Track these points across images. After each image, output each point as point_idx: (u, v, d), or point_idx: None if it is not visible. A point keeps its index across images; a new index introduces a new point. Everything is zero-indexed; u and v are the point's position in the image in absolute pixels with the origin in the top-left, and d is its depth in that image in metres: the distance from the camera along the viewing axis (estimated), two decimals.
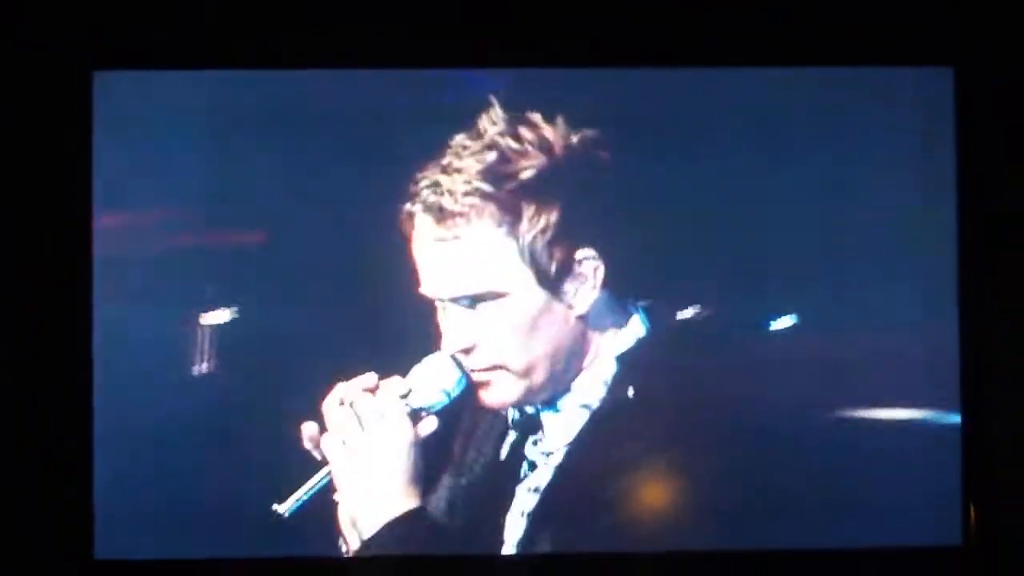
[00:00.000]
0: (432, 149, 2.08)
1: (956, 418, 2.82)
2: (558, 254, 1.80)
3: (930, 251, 2.82)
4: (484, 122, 1.84)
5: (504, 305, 1.77)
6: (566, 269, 1.80)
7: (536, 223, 1.75)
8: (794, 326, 2.68)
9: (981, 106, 2.83)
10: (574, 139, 1.84)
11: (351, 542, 1.80)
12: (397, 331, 1.92)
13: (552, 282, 1.78)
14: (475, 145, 1.81)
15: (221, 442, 2.74)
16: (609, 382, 1.81)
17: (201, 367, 2.75)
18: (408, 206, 1.81)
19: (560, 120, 1.87)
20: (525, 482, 1.83)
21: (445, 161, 1.81)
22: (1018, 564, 2.83)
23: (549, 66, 2.58)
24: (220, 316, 2.74)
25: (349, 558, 2.24)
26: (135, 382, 2.75)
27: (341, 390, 1.78)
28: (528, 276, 1.78)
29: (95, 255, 2.77)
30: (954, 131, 2.83)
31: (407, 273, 1.88)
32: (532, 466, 1.82)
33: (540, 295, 1.78)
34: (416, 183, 1.81)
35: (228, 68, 2.80)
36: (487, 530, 1.85)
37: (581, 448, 1.83)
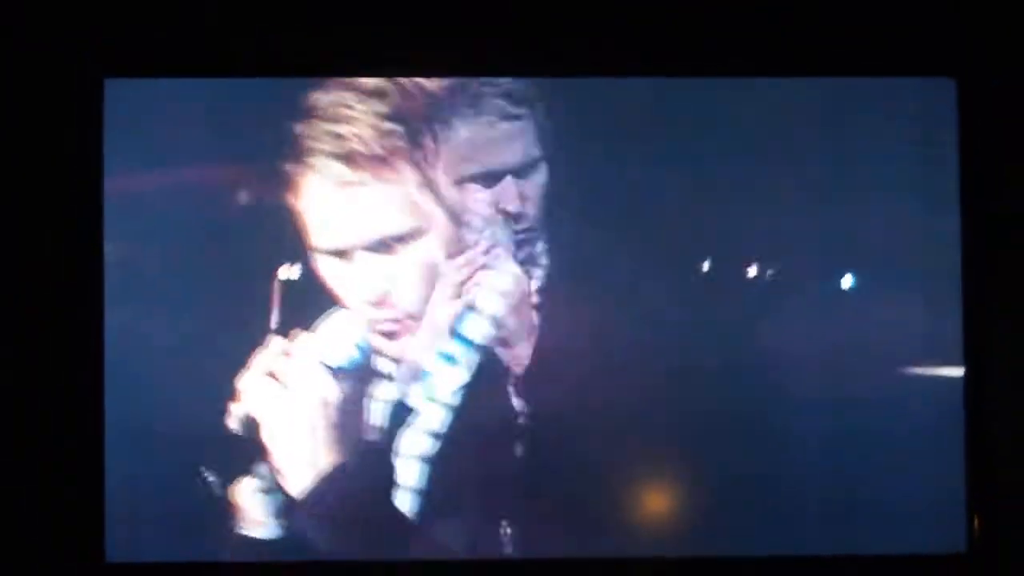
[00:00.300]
0: None
1: (959, 425, 2.83)
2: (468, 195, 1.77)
3: (933, 259, 2.85)
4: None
5: (420, 246, 1.75)
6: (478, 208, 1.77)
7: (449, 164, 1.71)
8: (797, 332, 2.67)
9: (983, 116, 2.86)
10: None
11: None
12: (296, 290, 1.95)
13: (464, 221, 1.75)
14: (361, 97, 1.79)
15: (230, 444, 2.72)
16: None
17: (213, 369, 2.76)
18: (306, 159, 1.76)
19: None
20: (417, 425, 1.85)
21: (332, 114, 1.79)
22: (1022, 572, 2.83)
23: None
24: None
25: (360, 562, 2.25)
26: (145, 384, 2.77)
27: (258, 362, 1.76)
28: (441, 215, 1.77)
29: (105, 259, 2.79)
30: (957, 141, 2.85)
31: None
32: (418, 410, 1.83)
33: (454, 233, 1.76)
34: (308, 138, 1.78)
35: (238, 76, 2.82)
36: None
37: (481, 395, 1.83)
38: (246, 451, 2.63)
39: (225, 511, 2.71)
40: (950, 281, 2.84)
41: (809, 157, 2.83)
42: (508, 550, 2.09)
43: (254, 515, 2.05)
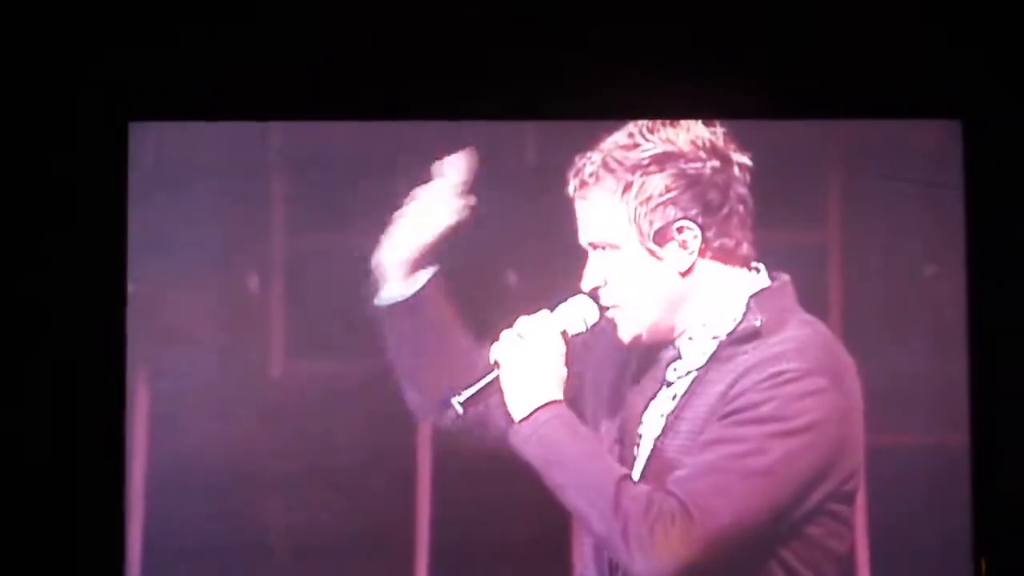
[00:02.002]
0: None
1: (966, 465, 2.84)
2: (658, 221, 2.19)
3: (938, 300, 2.87)
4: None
5: (617, 256, 2.21)
6: (665, 230, 2.21)
7: (642, 194, 2.19)
8: None
9: (988, 157, 2.89)
10: (702, 143, 2.26)
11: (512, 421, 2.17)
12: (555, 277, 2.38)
13: (651, 242, 2.20)
14: (618, 134, 2.26)
15: (251, 480, 2.80)
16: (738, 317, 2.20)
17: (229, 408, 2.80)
18: (568, 176, 2.27)
19: (700, 126, 2.29)
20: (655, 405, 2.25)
21: (601, 145, 2.26)
22: None
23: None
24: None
25: None
26: (167, 421, 2.80)
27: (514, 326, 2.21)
28: (629, 230, 2.20)
29: (130, 300, 2.83)
30: (962, 181, 2.89)
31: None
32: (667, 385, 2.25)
33: (638, 248, 2.20)
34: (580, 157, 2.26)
35: (261, 120, 2.88)
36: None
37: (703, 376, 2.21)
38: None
39: (246, 546, 2.77)
40: (957, 324, 2.85)
41: (812, 197, 2.86)
42: None
43: None
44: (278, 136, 2.88)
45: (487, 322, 2.36)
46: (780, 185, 2.76)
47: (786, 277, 2.28)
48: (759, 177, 2.57)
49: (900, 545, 2.75)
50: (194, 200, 2.84)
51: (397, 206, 2.69)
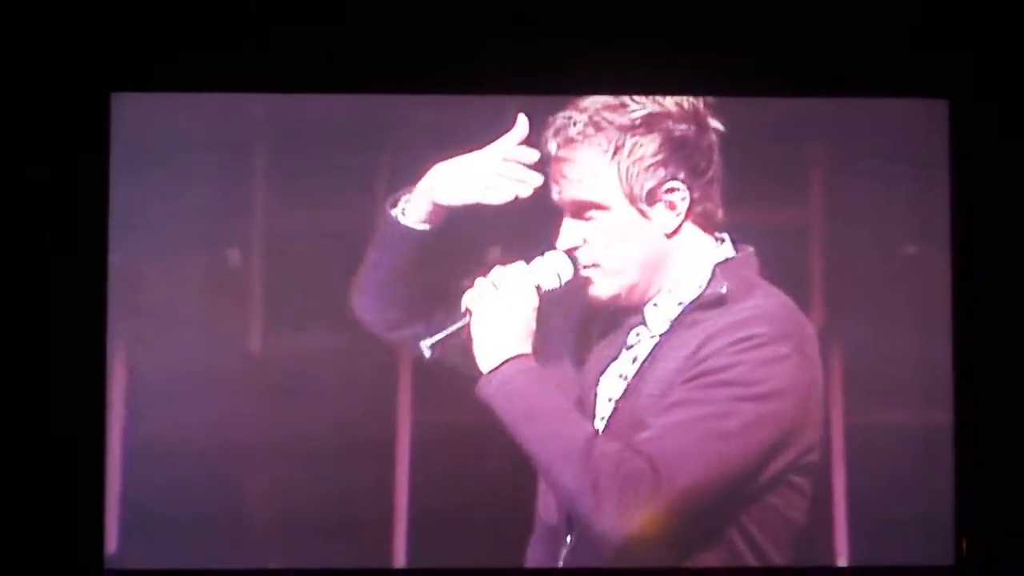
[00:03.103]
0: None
1: (949, 438, 2.85)
2: (649, 181, 2.19)
3: (925, 278, 2.88)
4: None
5: (604, 216, 2.20)
6: (655, 190, 2.21)
7: (634, 154, 2.18)
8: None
9: (975, 136, 2.89)
10: (686, 106, 2.28)
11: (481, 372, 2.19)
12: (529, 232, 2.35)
13: (639, 201, 2.19)
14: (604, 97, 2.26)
15: (233, 453, 2.80)
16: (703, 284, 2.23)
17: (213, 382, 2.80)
18: (548, 136, 2.24)
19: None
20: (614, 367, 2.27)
21: (582, 104, 2.24)
22: None
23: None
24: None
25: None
26: (147, 395, 2.79)
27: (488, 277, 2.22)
28: (622, 195, 2.19)
29: (111, 272, 2.81)
30: (949, 161, 2.88)
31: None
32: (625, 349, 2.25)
33: (628, 209, 2.19)
34: (553, 122, 2.25)
35: (244, 91, 2.85)
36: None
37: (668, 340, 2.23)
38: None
39: (226, 519, 2.77)
40: (941, 304, 2.86)
41: (799, 175, 2.85)
42: None
43: None
44: (261, 108, 2.86)
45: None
46: (765, 164, 2.77)
47: (751, 249, 2.32)
48: (743, 156, 2.61)
49: (880, 522, 2.77)
50: (176, 172, 2.82)
51: (380, 180, 2.71)
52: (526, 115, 2.48)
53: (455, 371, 2.33)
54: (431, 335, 2.31)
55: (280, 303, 2.83)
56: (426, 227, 2.33)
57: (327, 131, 2.85)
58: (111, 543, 2.78)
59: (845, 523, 2.67)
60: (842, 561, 2.67)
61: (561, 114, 2.27)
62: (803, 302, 2.67)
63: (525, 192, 2.30)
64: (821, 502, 2.59)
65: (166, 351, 2.80)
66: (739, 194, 2.64)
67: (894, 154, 2.89)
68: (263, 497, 2.78)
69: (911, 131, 2.90)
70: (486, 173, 2.33)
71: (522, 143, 2.35)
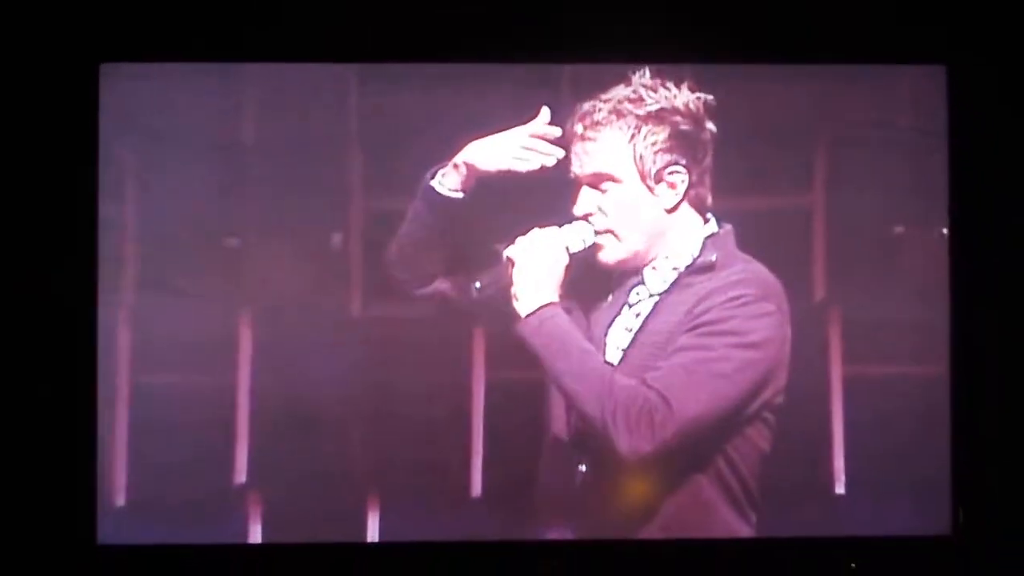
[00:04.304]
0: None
1: (946, 410, 2.87)
2: (658, 162, 2.59)
3: (922, 247, 2.89)
4: (635, 78, 2.64)
5: (617, 188, 2.61)
6: (662, 172, 2.61)
7: (649, 138, 2.59)
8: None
9: (972, 103, 2.89)
10: (691, 107, 2.62)
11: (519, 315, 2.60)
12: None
13: (648, 178, 2.60)
14: (623, 89, 2.63)
15: (222, 432, 2.81)
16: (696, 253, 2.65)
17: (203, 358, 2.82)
18: (575, 121, 2.64)
19: (685, 90, 2.62)
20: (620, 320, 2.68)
21: (605, 96, 2.63)
22: (1006, 554, 2.88)
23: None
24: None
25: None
26: (138, 373, 2.80)
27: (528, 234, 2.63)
28: (634, 171, 2.59)
29: (100, 245, 2.80)
30: (946, 127, 2.89)
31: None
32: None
33: (638, 185, 2.60)
34: (579, 110, 2.65)
35: (233, 61, 2.85)
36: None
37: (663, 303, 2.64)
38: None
39: (215, 497, 2.79)
40: (939, 269, 2.88)
41: (799, 143, 2.88)
42: None
43: None
44: (252, 79, 2.86)
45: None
46: (763, 134, 2.80)
47: (729, 227, 2.66)
48: (741, 125, 2.73)
49: (877, 474, 2.86)
50: (166, 144, 2.82)
51: (371, 150, 2.83)
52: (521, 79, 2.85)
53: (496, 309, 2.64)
54: (458, 292, 2.69)
55: (271, 273, 2.85)
56: (460, 195, 2.65)
57: (321, 100, 2.86)
58: (120, 497, 2.81)
59: (843, 453, 2.88)
60: (839, 488, 2.88)
61: (588, 102, 2.61)
62: (805, 267, 2.87)
63: (550, 163, 2.66)
64: (819, 439, 2.86)
65: (157, 323, 2.80)
66: (737, 162, 2.75)
67: (891, 121, 2.89)
68: (262, 464, 2.84)
69: (908, 98, 2.90)
70: (516, 146, 2.68)
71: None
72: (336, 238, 2.87)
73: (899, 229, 2.90)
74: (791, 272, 2.70)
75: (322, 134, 2.85)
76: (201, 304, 2.81)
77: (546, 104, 2.67)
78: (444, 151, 2.67)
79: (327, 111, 2.86)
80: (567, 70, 2.88)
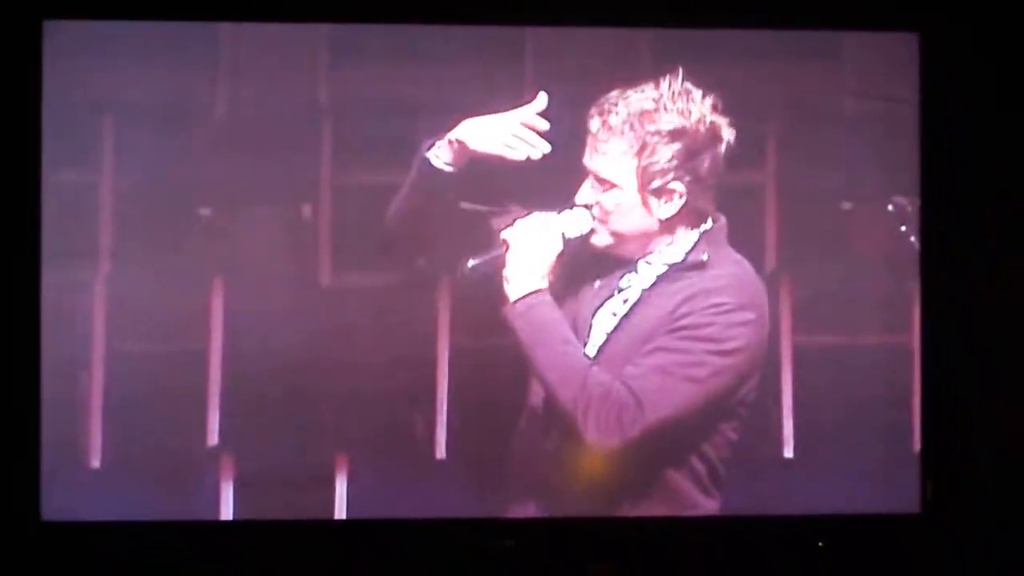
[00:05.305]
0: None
1: (915, 389, 2.87)
2: (657, 180, 2.63)
3: (892, 220, 2.86)
4: (663, 84, 2.66)
5: (616, 191, 2.66)
6: (660, 189, 2.64)
7: (653, 156, 2.62)
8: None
9: (945, 70, 2.86)
10: (705, 125, 2.64)
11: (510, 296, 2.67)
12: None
13: (646, 192, 2.64)
14: (644, 96, 2.66)
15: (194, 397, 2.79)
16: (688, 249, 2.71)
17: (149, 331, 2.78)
18: (593, 112, 2.68)
19: (708, 104, 2.64)
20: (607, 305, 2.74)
21: (625, 96, 2.66)
22: (975, 532, 2.87)
23: None
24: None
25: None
26: (82, 345, 2.76)
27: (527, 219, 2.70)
28: (633, 180, 2.62)
29: (44, 208, 2.74)
30: (919, 95, 2.86)
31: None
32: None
33: (636, 195, 2.64)
34: (601, 100, 2.68)
35: (179, 19, 2.78)
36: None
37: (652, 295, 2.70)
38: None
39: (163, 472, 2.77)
40: (908, 242, 2.85)
41: (769, 112, 2.86)
42: None
43: None
44: (202, 37, 2.80)
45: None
46: (734, 98, 2.69)
47: (723, 220, 2.71)
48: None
49: (835, 442, 2.88)
50: (111, 104, 2.76)
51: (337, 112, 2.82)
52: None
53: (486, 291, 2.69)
54: (453, 261, 2.69)
55: (236, 240, 2.82)
56: (451, 169, 2.69)
57: (272, 61, 2.82)
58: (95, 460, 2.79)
59: (791, 421, 2.92)
60: (788, 452, 2.91)
61: (609, 98, 2.64)
62: (770, 240, 2.87)
63: (535, 155, 2.70)
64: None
65: (102, 292, 2.76)
66: None
67: (862, 89, 2.86)
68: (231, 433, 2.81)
69: (880, 65, 2.87)
70: (505, 132, 2.71)
71: (539, 115, 2.74)
72: (306, 209, 2.84)
73: (861, 201, 2.88)
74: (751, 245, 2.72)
75: (289, 100, 2.82)
76: (174, 273, 2.77)
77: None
78: (416, 120, 2.75)
79: (294, 77, 2.82)
80: (529, 32, 2.86)
